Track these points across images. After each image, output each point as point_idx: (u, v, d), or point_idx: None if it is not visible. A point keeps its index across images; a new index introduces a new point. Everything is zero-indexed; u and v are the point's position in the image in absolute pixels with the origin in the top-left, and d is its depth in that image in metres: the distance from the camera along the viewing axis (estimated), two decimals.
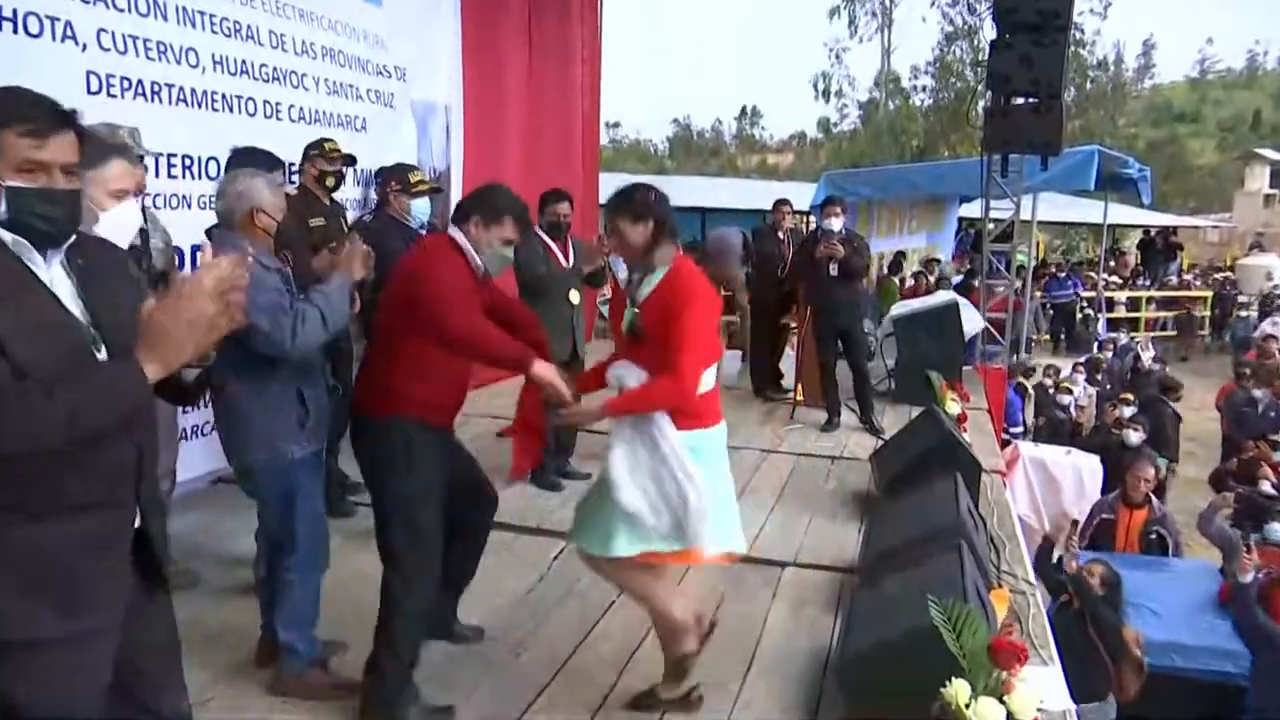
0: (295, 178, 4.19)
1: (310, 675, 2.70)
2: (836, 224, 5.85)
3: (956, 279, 10.69)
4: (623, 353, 2.51)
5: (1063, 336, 15.50)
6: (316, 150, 4.09)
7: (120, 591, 1.59)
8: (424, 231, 3.89)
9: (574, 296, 4.49)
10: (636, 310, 2.44)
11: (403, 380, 2.49)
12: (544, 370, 2.45)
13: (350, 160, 4.16)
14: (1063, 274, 16.94)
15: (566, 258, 4.56)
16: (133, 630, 1.63)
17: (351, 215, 4.65)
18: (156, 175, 3.79)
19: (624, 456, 2.36)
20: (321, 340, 2.46)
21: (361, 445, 2.59)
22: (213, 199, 3.63)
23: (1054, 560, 4.90)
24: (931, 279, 12.06)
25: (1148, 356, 11.37)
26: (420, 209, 3.92)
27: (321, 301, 2.44)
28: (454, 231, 2.60)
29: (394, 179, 3.93)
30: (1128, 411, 8.21)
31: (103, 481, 1.54)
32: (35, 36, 3.23)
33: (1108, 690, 4.12)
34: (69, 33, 3.35)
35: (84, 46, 3.42)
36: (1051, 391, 9.29)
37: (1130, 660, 4.14)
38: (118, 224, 1.99)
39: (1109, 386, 10.25)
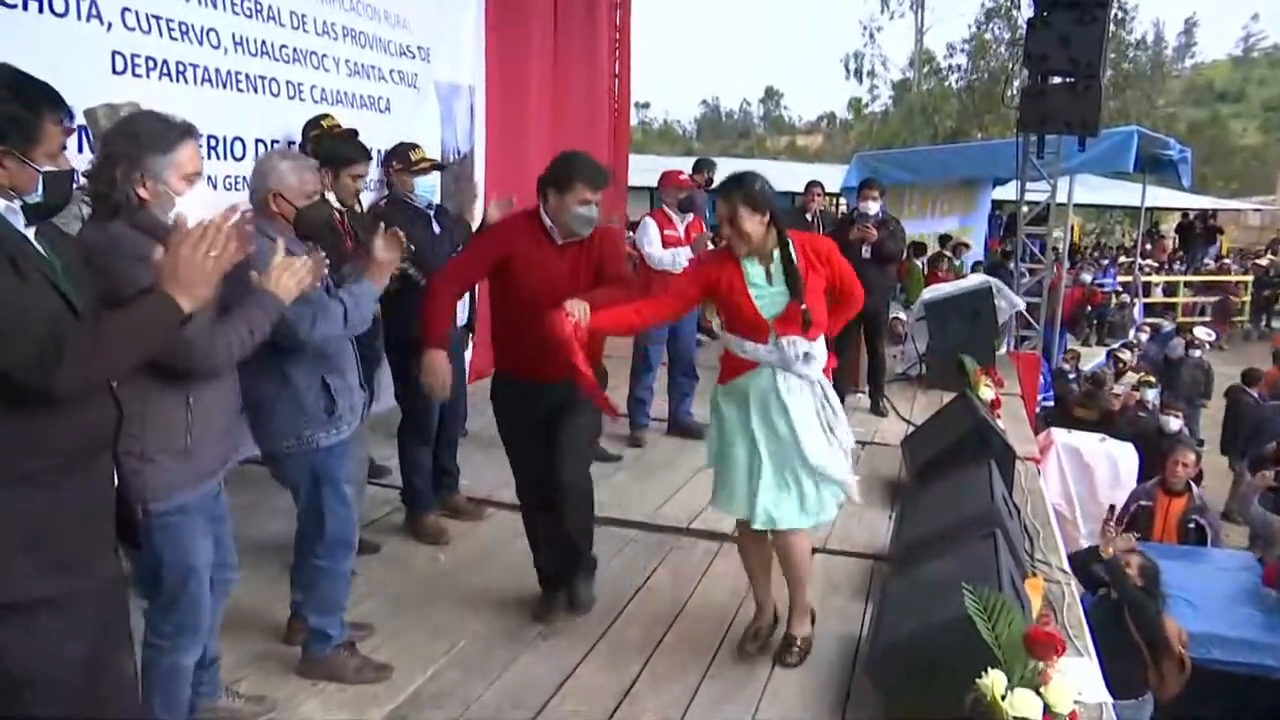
0: None
1: (338, 657, 2.69)
2: (873, 207, 5.78)
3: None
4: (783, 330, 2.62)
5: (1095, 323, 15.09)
6: (316, 130, 3.88)
7: (105, 553, 1.70)
8: (431, 212, 3.71)
9: None
10: (800, 303, 2.55)
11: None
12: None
13: (352, 135, 3.95)
14: (1105, 261, 16.49)
15: None
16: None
17: (367, 198, 4.58)
18: None
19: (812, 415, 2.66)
20: (337, 336, 2.48)
21: None
22: (241, 180, 3.64)
23: (1088, 549, 4.77)
24: (957, 264, 11.80)
25: (1181, 344, 11.03)
26: (426, 187, 3.66)
27: (349, 302, 2.47)
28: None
29: (395, 159, 3.75)
30: (1150, 394, 8.04)
31: (85, 440, 1.62)
32: (61, 16, 3.21)
33: (1145, 686, 3.98)
34: (94, 12, 3.33)
35: (109, 26, 3.40)
36: (1071, 376, 9.11)
37: (1171, 656, 3.97)
38: (192, 209, 1.93)
39: (1145, 373, 10.03)
